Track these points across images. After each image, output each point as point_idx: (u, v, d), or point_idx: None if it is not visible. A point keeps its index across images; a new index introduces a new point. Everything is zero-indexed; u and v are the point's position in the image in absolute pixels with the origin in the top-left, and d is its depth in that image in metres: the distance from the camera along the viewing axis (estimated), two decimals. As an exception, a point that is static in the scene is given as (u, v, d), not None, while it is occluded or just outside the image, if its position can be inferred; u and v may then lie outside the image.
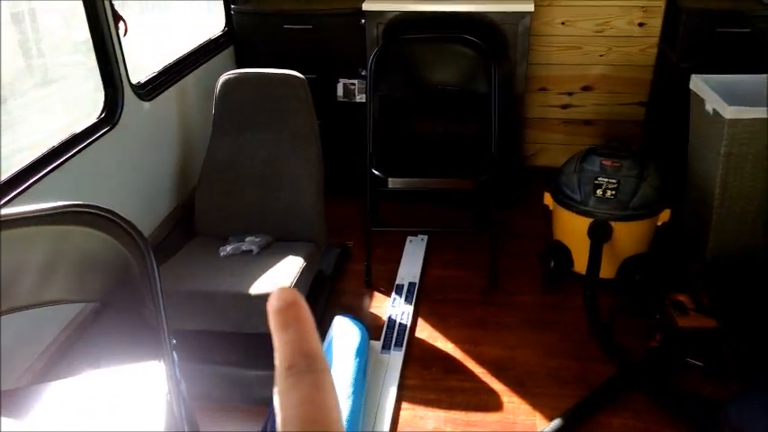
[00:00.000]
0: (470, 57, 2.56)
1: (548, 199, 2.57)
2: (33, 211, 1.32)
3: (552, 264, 2.53)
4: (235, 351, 2.14)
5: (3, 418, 1.36)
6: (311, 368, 0.31)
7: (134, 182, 2.30)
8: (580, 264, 2.46)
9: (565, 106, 3.40)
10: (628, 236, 2.42)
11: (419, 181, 2.36)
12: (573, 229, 2.47)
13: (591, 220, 2.38)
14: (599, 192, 2.37)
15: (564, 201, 2.46)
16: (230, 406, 2.03)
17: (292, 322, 0.32)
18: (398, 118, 2.86)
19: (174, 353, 1.43)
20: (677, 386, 2.01)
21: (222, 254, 2.30)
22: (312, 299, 2.34)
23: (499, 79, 2.51)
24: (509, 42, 2.78)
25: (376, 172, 2.37)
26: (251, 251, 2.31)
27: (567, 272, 2.53)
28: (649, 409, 1.94)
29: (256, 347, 2.17)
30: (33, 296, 1.35)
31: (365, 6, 2.83)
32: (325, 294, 2.49)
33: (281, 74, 2.42)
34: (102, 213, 1.35)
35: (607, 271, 2.43)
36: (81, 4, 1.98)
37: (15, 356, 1.73)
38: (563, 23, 3.20)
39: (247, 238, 2.40)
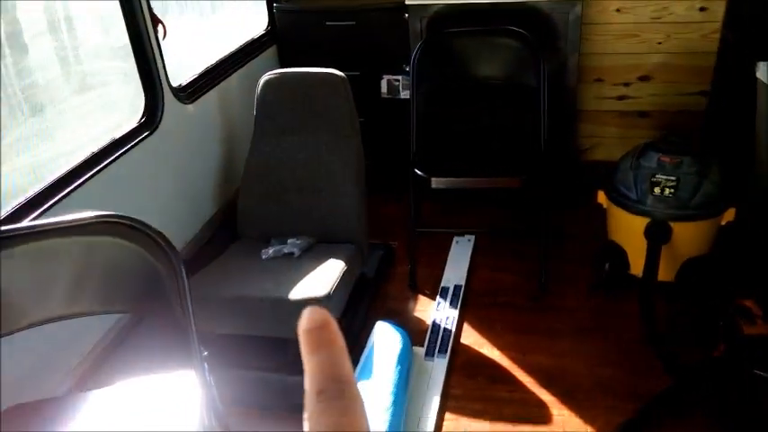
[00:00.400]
0: (517, 49, 2.45)
1: (602, 198, 2.44)
2: (64, 222, 1.31)
3: (606, 266, 2.40)
4: (273, 356, 2.11)
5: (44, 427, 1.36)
6: (342, 394, 0.31)
7: (176, 185, 2.30)
8: (636, 266, 2.32)
9: (621, 97, 3.23)
10: (688, 237, 2.27)
11: (463, 180, 2.28)
12: (629, 229, 2.34)
13: (648, 220, 2.24)
14: (657, 190, 2.23)
15: (619, 199, 2.33)
16: (268, 412, 2.00)
17: (323, 344, 0.31)
18: (443, 115, 2.77)
19: (206, 363, 1.40)
20: (741, 400, 1.86)
21: (264, 257, 2.27)
22: (354, 302, 2.29)
23: (549, 72, 2.40)
24: (559, 32, 2.66)
25: (418, 171, 2.29)
26: (292, 254, 2.28)
27: (622, 275, 2.40)
28: (709, 424, 1.81)
29: (295, 353, 2.13)
30: (65, 307, 1.34)
31: (408, 0, 2.75)
32: (368, 298, 2.44)
33: (320, 73, 2.37)
34: (133, 224, 1.32)
35: (666, 274, 2.29)
36: (119, 8, 1.97)
37: (56, 364, 1.75)
38: (618, 10, 3.04)
39: (289, 240, 2.37)
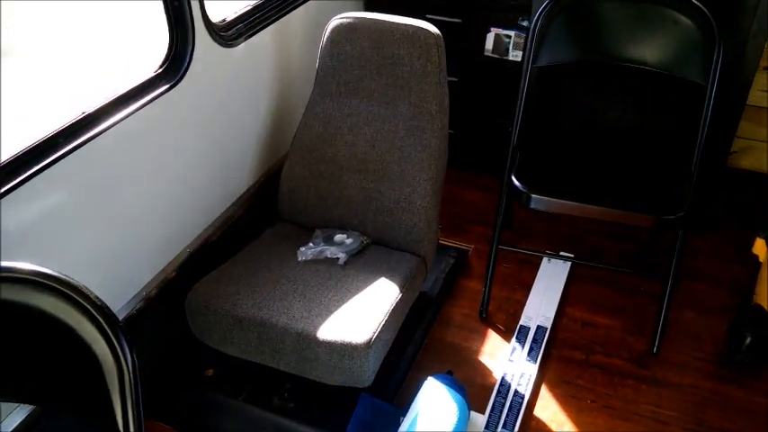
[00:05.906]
0: (685, 28, 1.75)
1: (760, 248, 1.79)
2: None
3: (748, 340, 1.79)
4: (283, 396, 1.68)
5: None
6: None
7: (204, 150, 1.80)
8: (791, 351, 1.71)
9: (797, 95, 2.46)
10: None
11: (575, 206, 1.67)
12: (792, 303, 1.70)
13: (828, 301, 1.60)
14: None
15: (789, 262, 1.69)
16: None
17: None
18: (562, 105, 2.11)
19: None
20: None
21: (300, 258, 1.79)
22: (404, 337, 1.80)
23: (723, 66, 1.71)
24: (745, 5, 1.92)
25: (516, 183, 1.70)
26: (336, 260, 1.79)
27: (765, 355, 1.79)
28: None
29: (309, 399, 1.69)
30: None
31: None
32: (424, 326, 1.93)
33: (410, 26, 1.78)
34: (64, 289, 0.85)
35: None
36: None
37: None
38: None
39: (337, 236, 1.88)
